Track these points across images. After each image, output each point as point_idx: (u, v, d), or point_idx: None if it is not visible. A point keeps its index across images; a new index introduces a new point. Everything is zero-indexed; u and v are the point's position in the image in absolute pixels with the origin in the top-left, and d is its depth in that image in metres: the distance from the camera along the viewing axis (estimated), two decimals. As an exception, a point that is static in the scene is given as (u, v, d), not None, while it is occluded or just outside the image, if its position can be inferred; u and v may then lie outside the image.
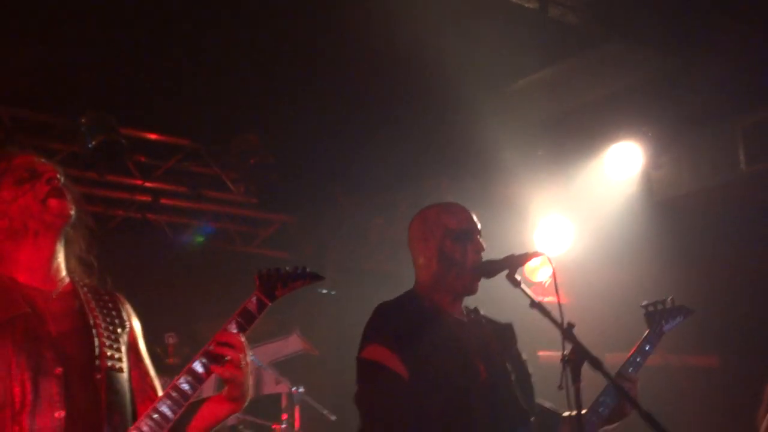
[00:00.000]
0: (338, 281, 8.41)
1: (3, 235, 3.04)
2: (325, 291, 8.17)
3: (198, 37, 6.41)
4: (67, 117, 7.25)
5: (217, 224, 8.56)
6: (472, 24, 6.27)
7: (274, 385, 7.84)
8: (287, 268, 3.27)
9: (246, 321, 3.10)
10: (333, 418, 6.68)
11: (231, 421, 6.81)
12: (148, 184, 7.91)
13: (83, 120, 7.12)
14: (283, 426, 6.35)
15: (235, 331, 3.08)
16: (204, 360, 3.02)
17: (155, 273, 7.77)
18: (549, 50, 6.65)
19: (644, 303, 4.25)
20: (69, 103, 7.12)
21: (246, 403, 3.18)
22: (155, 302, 7.38)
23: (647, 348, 4.08)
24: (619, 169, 7.58)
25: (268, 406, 6.94)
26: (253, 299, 3.15)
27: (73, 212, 3.11)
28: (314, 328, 8.39)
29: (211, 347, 3.03)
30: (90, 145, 7.10)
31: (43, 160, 3.20)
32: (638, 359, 4.02)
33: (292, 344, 8.32)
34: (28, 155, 3.20)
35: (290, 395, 6.44)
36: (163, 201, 8.04)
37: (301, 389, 6.40)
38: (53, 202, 3.04)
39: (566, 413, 3.76)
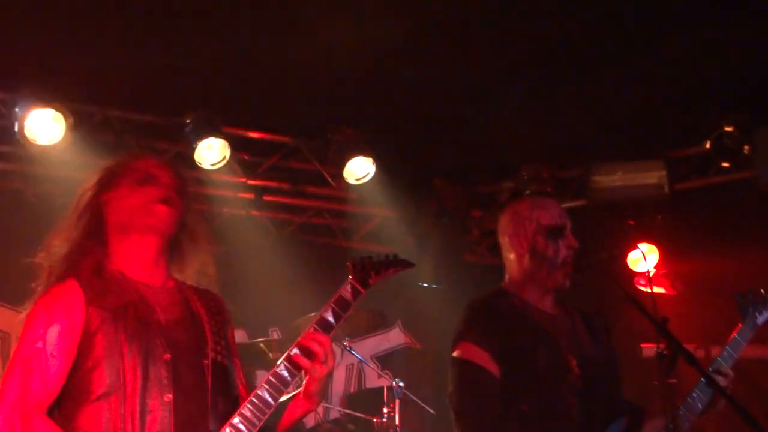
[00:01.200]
0: (440, 274, 8.40)
1: (114, 229, 3.18)
2: (426, 285, 8.16)
3: (293, 35, 6.49)
4: (172, 117, 7.41)
5: (319, 220, 8.65)
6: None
7: (376, 378, 7.89)
8: (379, 257, 3.33)
9: (341, 308, 3.18)
10: (433, 412, 6.69)
11: (333, 414, 6.90)
12: (251, 182, 8.04)
13: (188, 120, 7.27)
14: (384, 420, 6.38)
15: (331, 318, 3.15)
16: (300, 349, 3.09)
17: (259, 269, 7.87)
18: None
19: (737, 294, 4.12)
20: (174, 103, 7.29)
21: (319, 404, 3.23)
22: (260, 298, 7.55)
23: (741, 340, 3.97)
24: (722, 155, 7.42)
25: (369, 400, 6.99)
26: (348, 287, 3.23)
27: (178, 222, 3.21)
28: (416, 321, 8.41)
29: (299, 343, 3.11)
30: (195, 145, 7.26)
31: (164, 164, 3.30)
32: (732, 352, 3.91)
33: (394, 338, 8.35)
34: (152, 159, 3.33)
35: (391, 389, 6.46)
36: (265, 197, 8.18)
37: (401, 383, 6.41)
38: (160, 208, 3.15)
39: (654, 410, 3.69)
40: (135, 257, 3.17)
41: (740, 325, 4.03)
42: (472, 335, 3.62)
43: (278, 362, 3.08)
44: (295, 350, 3.08)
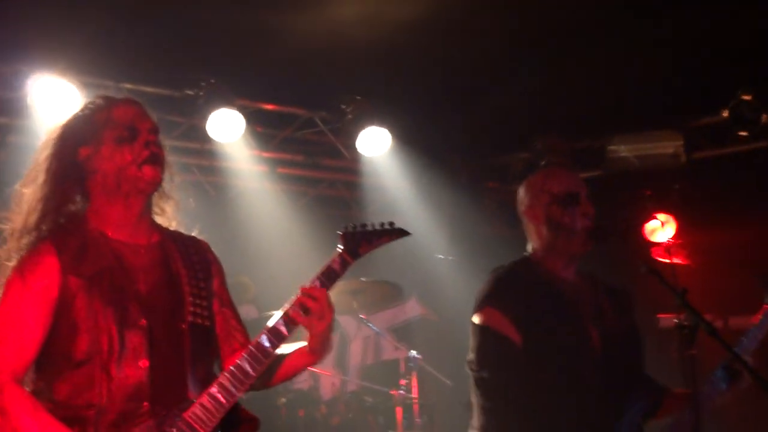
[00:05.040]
0: (456, 246, 8.38)
1: (97, 189, 3.11)
2: (442, 256, 8.13)
3: (307, 7, 6.45)
4: (185, 90, 7.37)
5: (333, 192, 8.62)
6: None
7: (392, 351, 7.88)
8: (373, 225, 3.29)
9: (328, 279, 3.15)
10: (450, 383, 6.68)
11: (351, 387, 6.89)
12: (265, 155, 8.02)
13: (201, 92, 7.23)
14: (401, 392, 6.36)
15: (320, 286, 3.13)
16: (285, 318, 3.07)
17: (273, 242, 7.86)
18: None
19: (758, 274, 4.01)
20: (188, 76, 7.27)
21: (324, 357, 3.21)
22: (274, 271, 7.52)
23: (766, 323, 3.89)
24: (740, 124, 7.39)
25: (386, 372, 6.98)
26: (337, 258, 3.19)
27: (164, 177, 3.16)
28: (433, 293, 8.39)
29: (293, 303, 3.09)
30: (207, 117, 7.23)
31: (142, 111, 3.19)
32: (757, 334, 3.84)
33: (410, 309, 8.34)
34: (129, 106, 3.19)
35: (408, 361, 6.45)
36: (279, 170, 8.17)
37: (418, 355, 6.39)
38: (148, 170, 3.08)
39: (677, 389, 3.67)
40: (118, 219, 3.11)
41: (766, 306, 3.92)
42: (496, 301, 3.63)
43: (260, 333, 3.05)
44: (279, 322, 3.06)
